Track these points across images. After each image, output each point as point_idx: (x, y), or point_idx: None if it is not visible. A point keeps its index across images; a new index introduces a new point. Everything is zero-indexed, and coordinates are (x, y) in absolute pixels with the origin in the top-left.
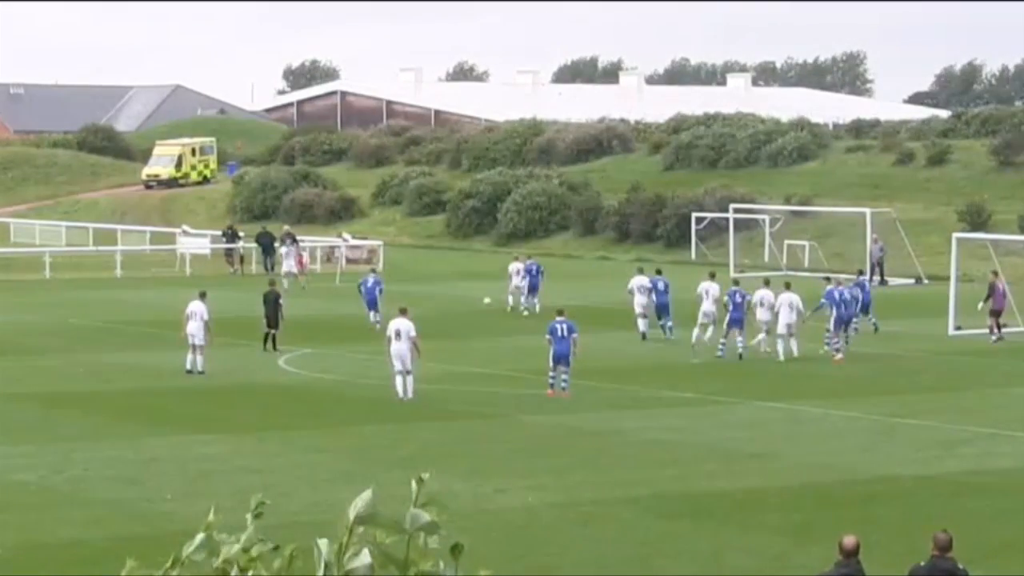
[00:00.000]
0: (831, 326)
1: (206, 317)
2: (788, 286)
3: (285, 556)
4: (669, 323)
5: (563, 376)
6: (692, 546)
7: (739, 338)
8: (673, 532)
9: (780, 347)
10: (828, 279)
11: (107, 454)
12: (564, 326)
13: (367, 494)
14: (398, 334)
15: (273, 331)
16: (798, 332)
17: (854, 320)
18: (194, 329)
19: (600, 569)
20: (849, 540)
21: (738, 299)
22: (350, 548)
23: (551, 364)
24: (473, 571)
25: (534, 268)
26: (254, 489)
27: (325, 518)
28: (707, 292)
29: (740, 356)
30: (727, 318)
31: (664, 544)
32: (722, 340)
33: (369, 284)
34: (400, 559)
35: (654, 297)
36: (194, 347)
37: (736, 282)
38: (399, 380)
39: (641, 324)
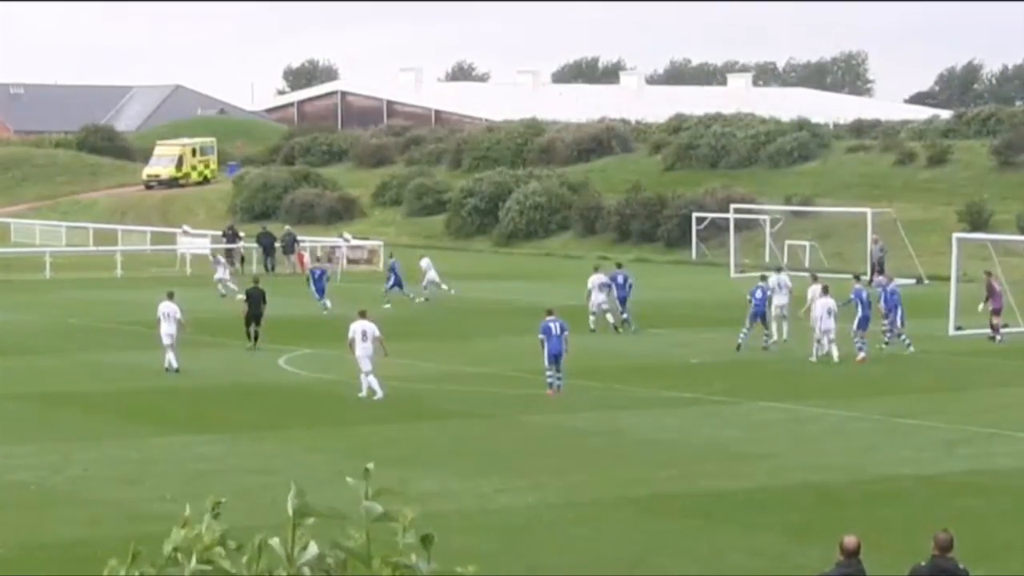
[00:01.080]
0: (855, 325)
1: (179, 316)
2: (818, 282)
3: (254, 547)
4: (624, 315)
5: (557, 375)
6: (692, 546)
7: (745, 331)
8: (673, 532)
9: (832, 348)
10: (857, 278)
11: (107, 454)
12: (557, 325)
13: (293, 490)
14: (364, 335)
15: (256, 328)
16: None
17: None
18: (170, 329)
19: (600, 569)
20: (850, 540)
21: (759, 295)
22: (297, 543)
23: (546, 364)
24: (464, 568)
25: (620, 278)
26: (254, 489)
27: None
28: (780, 284)
29: (750, 348)
30: (750, 311)
31: (664, 544)
32: (744, 332)
33: (317, 274)
34: (363, 553)
35: (615, 291)
36: (171, 346)
37: (763, 278)
38: (373, 380)
39: (610, 318)
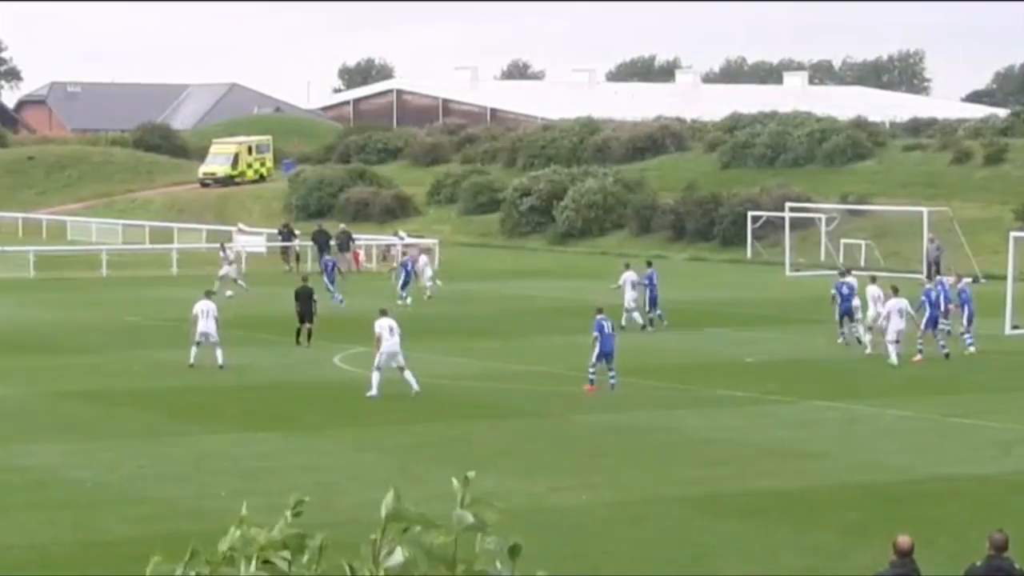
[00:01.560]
0: (923, 325)
1: (216, 315)
2: (896, 291)
3: (315, 547)
4: (659, 312)
5: (611, 373)
6: (747, 545)
7: (849, 328)
8: (728, 531)
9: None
10: (930, 278)
11: (161, 452)
12: (609, 323)
13: (390, 494)
14: (391, 331)
15: (309, 326)
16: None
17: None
18: (208, 327)
19: (654, 569)
20: (904, 540)
21: (845, 291)
22: (384, 547)
23: (594, 361)
24: (530, 571)
25: (655, 277)
26: (306, 487)
27: (375, 516)
28: (877, 298)
29: (858, 342)
30: (837, 309)
31: (719, 543)
32: (842, 330)
33: (329, 266)
34: (448, 559)
35: (648, 291)
36: (216, 344)
37: (843, 274)
38: (409, 375)
39: (636, 316)
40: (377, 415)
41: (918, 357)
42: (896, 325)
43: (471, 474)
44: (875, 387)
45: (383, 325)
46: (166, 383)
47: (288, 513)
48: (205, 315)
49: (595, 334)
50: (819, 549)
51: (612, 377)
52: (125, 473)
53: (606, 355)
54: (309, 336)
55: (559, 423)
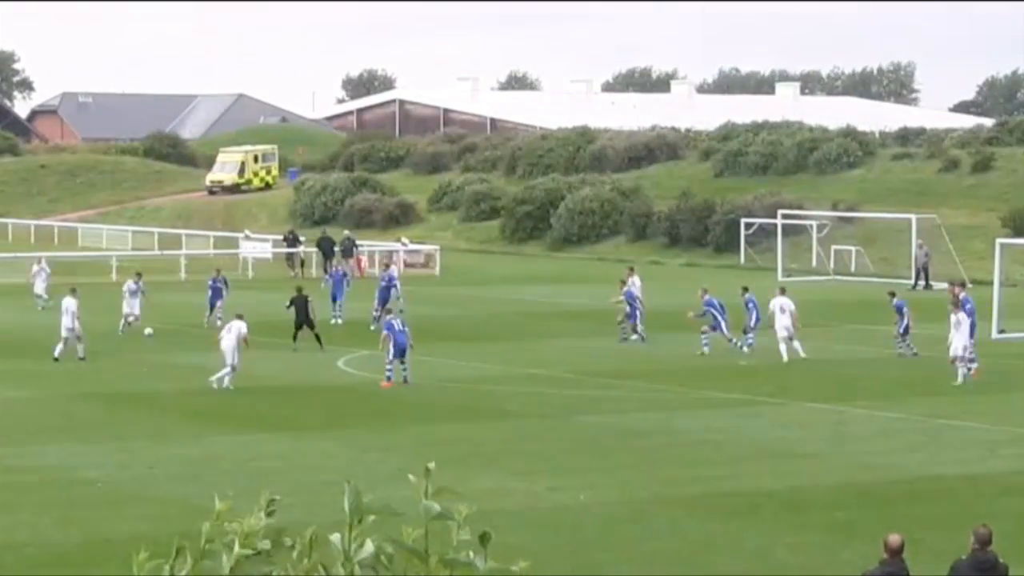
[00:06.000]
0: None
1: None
2: (783, 291)
3: (304, 541)
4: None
5: (403, 368)
6: (741, 543)
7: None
8: (723, 530)
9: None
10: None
11: (171, 452)
12: (399, 321)
13: (350, 488)
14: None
15: (314, 331)
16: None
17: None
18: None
19: (651, 566)
20: (894, 539)
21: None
22: (354, 541)
23: (390, 358)
24: (518, 565)
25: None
26: (313, 487)
27: (379, 516)
28: (782, 308)
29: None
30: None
31: (713, 541)
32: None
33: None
34: (420, 550)
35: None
36: (79, 338)
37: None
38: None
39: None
40: (381, 417)
41: (974, 367)
42: (782, 322)
43: (431, 465)
44: (866, 389)
45: (396, 322)
46: (175, 385)
47: (261, 513)
48: (66, 311)
49: (385, 332)
50: (811, 547)
51: (404, 370)
52: (135, 473)
53: (399, 351)
54: (319, 340)
55: (558, 424)
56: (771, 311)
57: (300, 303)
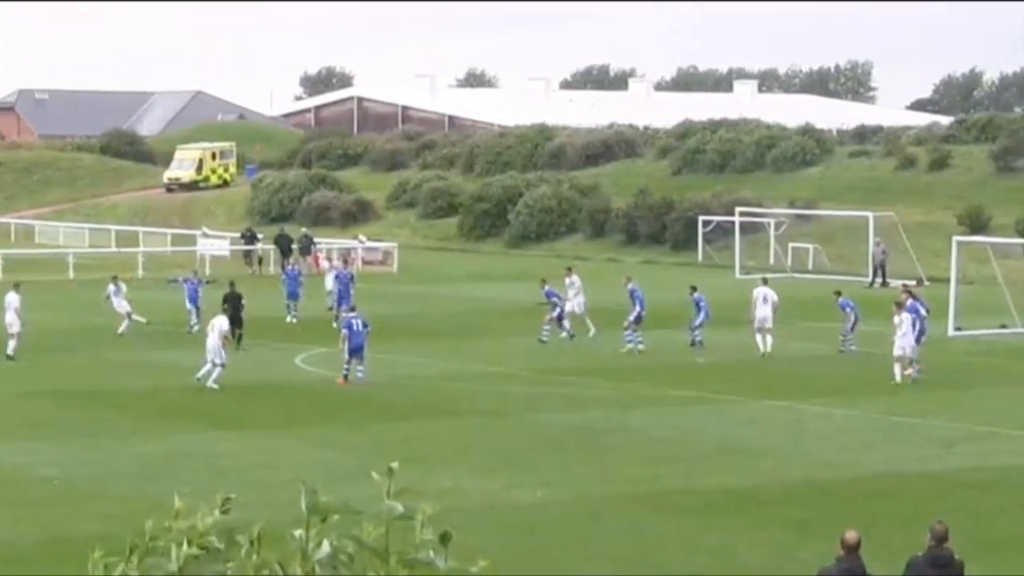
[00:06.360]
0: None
1: (18, 307)
2: (765, 281)
3: (253, 535)
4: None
5: (359, 368)
6: (699, 541)
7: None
8: (680, 527)
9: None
10: (909, 290)
11: (128, 450)
12: (359, 321)
13: (305, 488)
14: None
15: (239, 330)
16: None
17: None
18: (11, 319)
19: (609, 565)
20: (851, 536)
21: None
22: (312, 540)
23: (347, 357)
24: (477, 564)
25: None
26: (273, 484)
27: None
28: (764, 298)
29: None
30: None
31: (671, 539)
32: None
33: (293, 274)
34: (380, 549)
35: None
36: (12, 335)
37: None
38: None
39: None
40: (339, 415)
41: (909, 371)
42: (763, 312)
43: (395, 465)
44: (823, 387)
45: (356, 320)
46: (132, 383)
47: (215, 511)
48: (8, 307)
49: (344, 331)
50: (768, 545)
51: (360, 371)
52: (93, 471)
53: (355, 351)
54: (238, 341)
55: (516, 422)
56: (753, 300)
57: (233, 300)
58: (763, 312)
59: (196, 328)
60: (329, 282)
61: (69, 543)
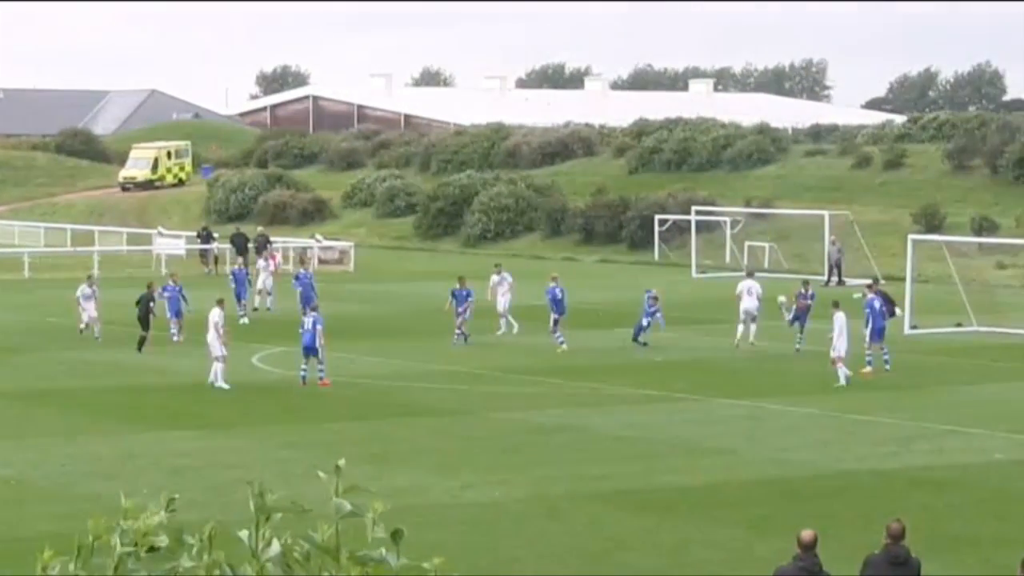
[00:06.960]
0: (868, 337)
1: (219, 322)
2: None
3: (204, 537)
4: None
5: (319, 367)
6: (657, 539)
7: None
8: (638, 525)
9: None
10: (869, 287)
11: (85, 450)
12: (310, 320)
13: (253, 487)
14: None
15: (143, 332)
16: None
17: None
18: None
19: (567, 563)
20: (807, 534)
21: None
22: (262, 540)
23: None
24: (431, 561)
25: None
26: (229, 484)
27: (292, 514)
28: (749, 290)
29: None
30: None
31: (629, 537)
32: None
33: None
34: (331, 548)
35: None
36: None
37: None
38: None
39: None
40: (296, 413)
41: (868, 369)
42: (747, 304)
43: (341, 462)
44: (780, 385)
45: (309, 320)
46: (88, 383)
47: (163, 512)
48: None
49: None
50: (726, 543)
51: (303, 370)
52: (48, 471)
53: (305, 351)
54: (141, 342)
55: (474, 421)
56: (738, 293)
57: (145, 299)
58: (748, 304)
59: (178, 339)
60: (261, 281)
61: (23, 543)
